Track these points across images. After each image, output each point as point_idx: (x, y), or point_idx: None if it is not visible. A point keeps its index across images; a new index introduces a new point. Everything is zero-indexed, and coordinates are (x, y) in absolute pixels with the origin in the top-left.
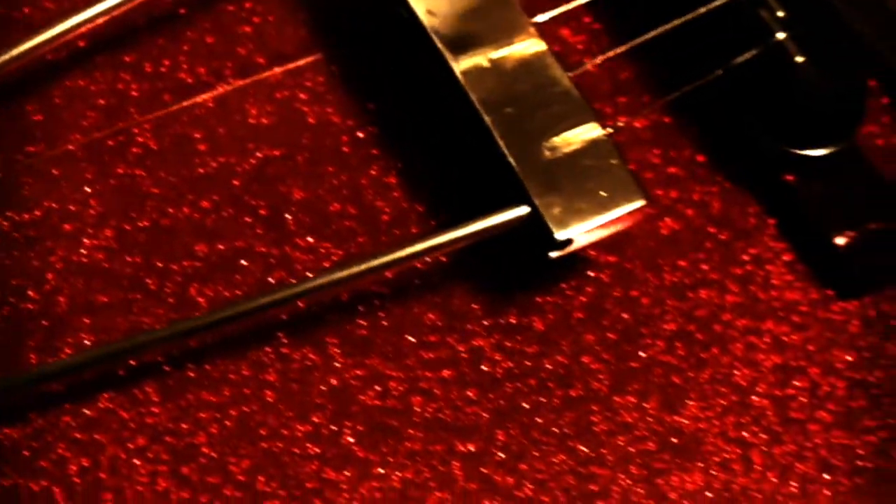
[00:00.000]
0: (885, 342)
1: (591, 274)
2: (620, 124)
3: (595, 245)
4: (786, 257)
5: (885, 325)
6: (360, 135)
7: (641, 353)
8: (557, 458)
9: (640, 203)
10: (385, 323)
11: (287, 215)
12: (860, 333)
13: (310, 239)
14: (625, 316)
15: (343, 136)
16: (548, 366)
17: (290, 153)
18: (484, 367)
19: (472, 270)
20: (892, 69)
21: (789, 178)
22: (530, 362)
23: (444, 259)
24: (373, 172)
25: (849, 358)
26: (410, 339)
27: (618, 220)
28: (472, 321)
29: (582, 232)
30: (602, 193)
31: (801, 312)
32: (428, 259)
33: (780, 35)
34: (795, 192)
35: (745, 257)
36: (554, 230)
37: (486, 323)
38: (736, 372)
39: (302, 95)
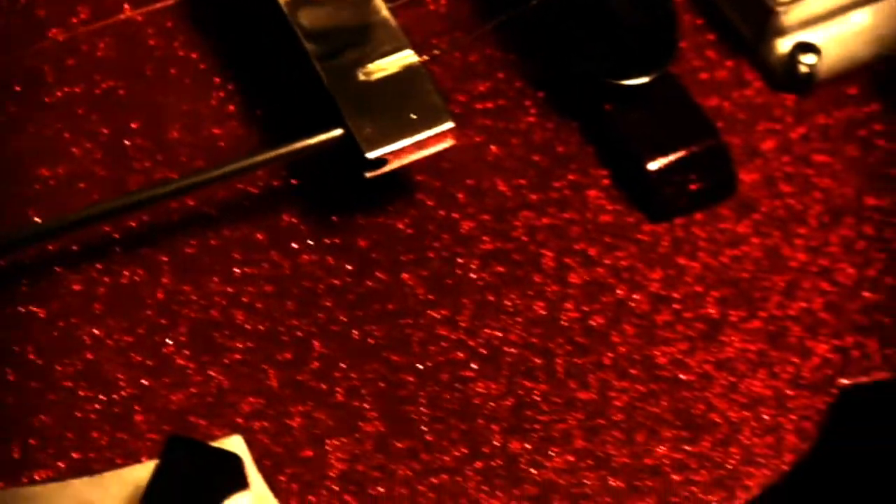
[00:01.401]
0: (691, 262)
1: (418, 197)
2: (436, 52)
3: (421, 170)
4: (604, 182)
5: (692, 246)
6: (203, 66)
7: (458, 272)
8: (370, 366)
9: (448, 126)
10: (213, 242)
11: (126, 141)
12: (668, 254)
13: (147, 164)
14: (445, 236)
15: (187, 67)
16: (368, 283)
17: (134, 84)
18: (305, 283)
19: (303, 194)
20: (717, 6)
21: (607, 106)
22: (351, 279)
23: (276, 183)
24: (213, 102)
25: (655, 276)
26: (237, 256)
27: (427, 141)
28: (297, 240)
29: (391, 152)
30: (412, 116)
31: (614, 234)
32: (259, 184)
33: None
34: (612, 120)
35: (564, 182)
36: (364, 150)
37: (310, 242)
38: (547, 289)
39: (150, 31)
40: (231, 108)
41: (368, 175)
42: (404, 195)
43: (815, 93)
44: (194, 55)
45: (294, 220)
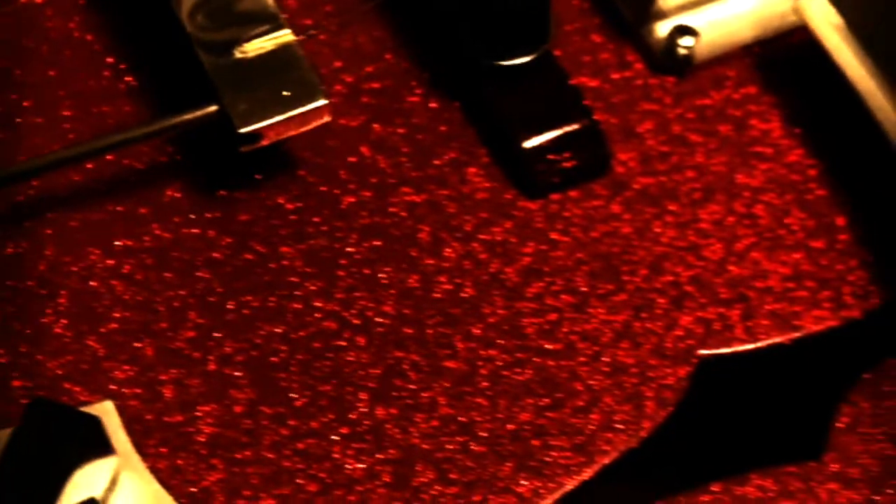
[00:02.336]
0: (563, 237)
1: (300, 173)
2: (312, 32)
3: (305, 147)
4: (483, 160)
5: (564, 222)
6: (97, 48)
7: (336, 245)
8: (244, 336)
9: (320, 102)
10: (97, 216)
11: (18, 119)
12: (541, 229)
13: (37, 141)
14: (325, 211)
15: (81, 49)
16: (246, 256)
17: (26, 61)
18: (185, 256)
19: (187, 169)
20: None
21: (486, 85)
22: (230, 251)
23: (162, 159)
24: (104, 82)
25: (527, 251)
26: (119, 229)
27: (301, 117)
28: (179, 214)
29: (264, 127)
30: (286, 93)
31: (490, 210)
32: (144, 160)
33: None
34: (490, 100)
35: (444, 160)
36: (237, 125)
37: (192, 216)
38: (421, 263)
39: (48, 12)
40: (121, 86)
41: (244, 150)
42: (287, 172)
43: (694, 75)
44: (89, 37)
45: (177, 194)
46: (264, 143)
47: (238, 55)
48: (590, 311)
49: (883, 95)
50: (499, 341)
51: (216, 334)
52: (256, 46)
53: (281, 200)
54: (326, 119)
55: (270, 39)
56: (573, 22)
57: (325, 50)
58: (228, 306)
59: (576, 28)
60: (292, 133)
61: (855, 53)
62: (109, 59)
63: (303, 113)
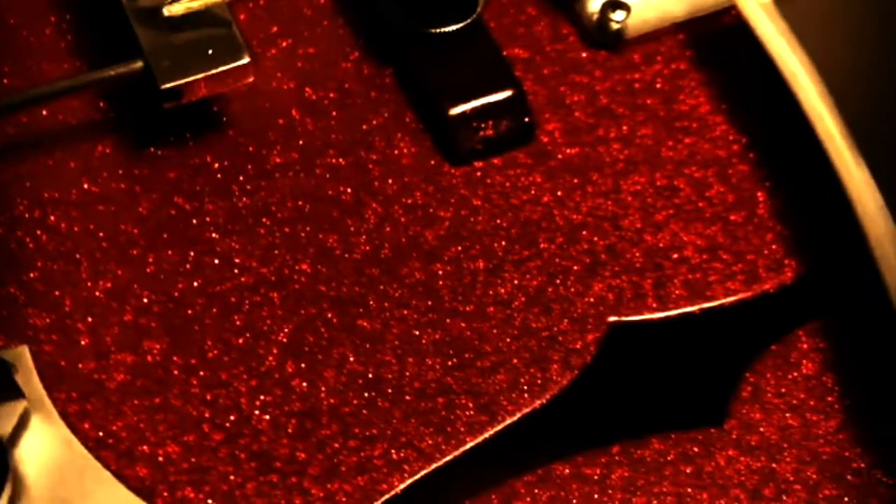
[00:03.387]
0: (484, 203)
1: (230, 133)
2: None
3: (237, 109)
4: (411, 126)
5: (486, 189)
6: (41, 6)
7: (259, 204)
8: (162, 289)
9: (243, 61)
10: (26, 169)
11: None
12: (464, 195)
13: None
14: (250, 170)
15: (24, 5)
16: (171, 211)
17: None
18: (112, 208)
19: (119, 125)
20: None
21: (415, 52)
22: (154, 206)
23: (95, 116)
24: (45, 41)
25: (446, 215)
26: (47, 182)
27: (223, 75)
28: (108, 169)
29: (186, 83)
30: (210, 52)
31: (413, 174)
32: (78, 115)
33: None
34: (419, 66)
35: (372, 125)
36: (159, 81)
37: (120, 171)
38: (342, 223)
39: None
40: (62, 44)
41: (167, 106)
42: (217, 131)
43: (625, 49)
44: None
45: (108, 150)
46: (187, 100)
47: (166, 13)
48: (504, 275)
49: (806, 75)
50: (412, 302)
51: (135, 286)
52: (185, 6)
53: (209, 159)
54: (250, 79)
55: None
56: None
57: (264, 14)
58: (149, 259)
59: (512, 0)
60: (215, 91)
61: (780, 32)
62: (52, 18)
63: (225, 71)
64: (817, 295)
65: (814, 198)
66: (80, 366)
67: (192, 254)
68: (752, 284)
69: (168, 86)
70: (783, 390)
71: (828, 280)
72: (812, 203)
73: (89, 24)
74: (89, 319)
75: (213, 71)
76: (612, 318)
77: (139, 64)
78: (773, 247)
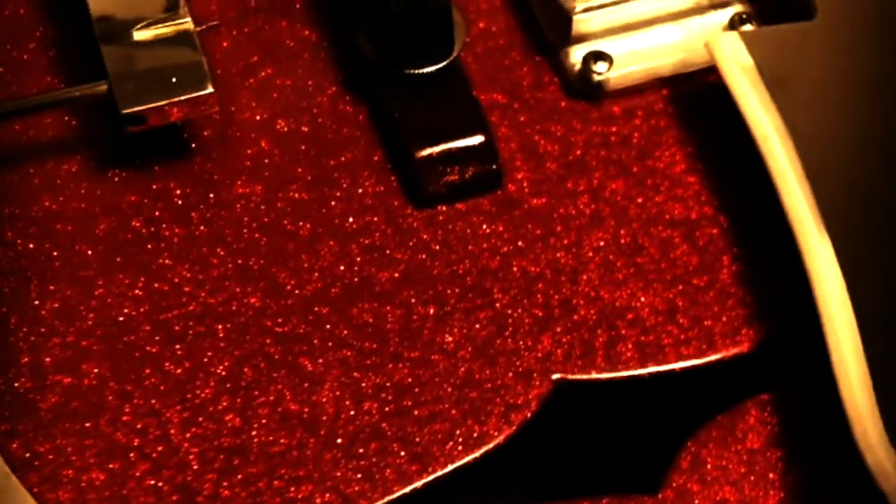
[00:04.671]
0: (441, 248)
1: (197, 159)
2: (212, 24)
3: (206, 138)
4: (378, 165)
5: (445, 233)
6: (7, 13)
7: (215, 233)
8: (109, 312)
9: (206, 91)
10: None
11: None
12: (423, 239)
13: None
14: (211, 199)
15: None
16: (127, 236)
17: None
18: (68, 228)
19: (87, 146)
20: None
21: (388, 92)
22: (110, 229)
23: (67, 133)
24: (27, 56)
25: (401, 257)
26: (7, 197)
27: (186, 104)
28: (70, 188)
29: (147, 109)
30: (174, 80)
31: (374, 214)
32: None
33: None
34: (391, 106)
35: (340, 161)
36: (120, 105)
37: (81, 191)
38: (294, 259)
39: None
40: (44, 60)
41: (130, 130)
42: (184, 158)
43: (606, 101)
44: (22, 10)
45: (73, 168)
46: (149, 125)
47: (135, 37)
48: (453, 323)
49: (778, 139)
50: (357, 343)
51: (81, 307)
52: (154, 32)
53: (171, 184)
54: (213, 109)
55: (169, 26)
56: (497, 38)
57: (248, 42)
58: (99, 281)
59: (498, 44)
60: (177, 118)
61: (759, 97)
62: (37, 32)
63: (188, 100)
64: (771, 367)
65: (778, 267)
66: (16, 384)
67: (142, 279)
68: (707, 351)
69: (128, 110)
70: (724, 462)
71: (782, 353)
72: (776, 272)
73: (73, 40)
74: (32, 338)
75: (175, 99)
76: (558, 375)
77: (104, 86)
78: (732, 314)
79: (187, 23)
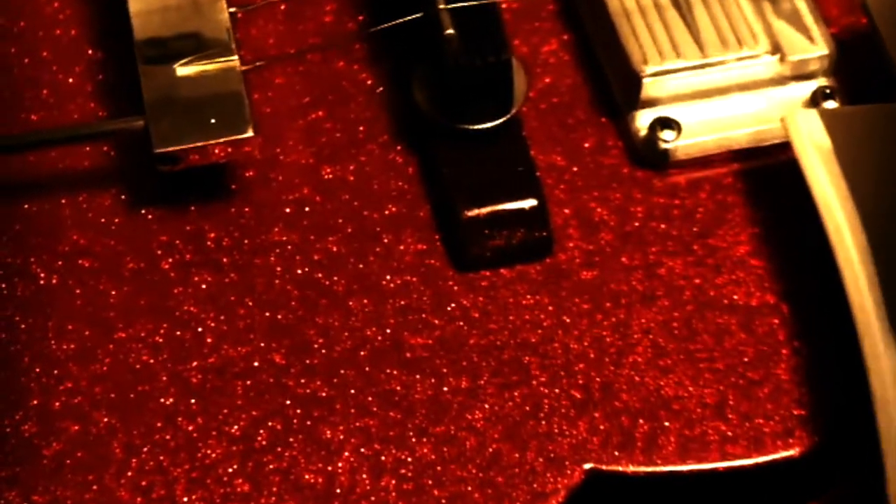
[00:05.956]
0: (481, 316)
1: (234, 203)
2: (259, 64)
3: (248, 179)
4: (421, 222)
5: (487, 300)
6: (58, 32)
7: (246, 282)
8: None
9: (246, 135)
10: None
11: None
12: (465, 305)
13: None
14: (245, 246)
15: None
16: (153, 277)
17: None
18: (94, 266)
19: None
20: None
21: (440, 146)
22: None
23: (105, 165)
24: (73, 80)
25: (438, 322)
26: (36, 227)
27: (224, 146)
28: (101, 222)
29: (182, 150)
30: (213, 120)
31: (412, 274)
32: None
33: (441, 5)
34: (440, 162)
35: (384, 214)
36: (154, 144)
37: (112, 227)
38: (326, 316)
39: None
40: (89, 86)
41: (163, 169)
42: (222, 199)
43: (672, 171)
44: (74, 31)
45: (106, 202)
46: (184, 166)
47: (178, 72)
48: (485, 398)
49: (850, 232)
50: (380, 411)
51: (98, 351)
52: (198, 67)
53: (206, 227)
54: (255, 153)
55: (214, 63)
56: (563, 95)
57: (301, 82)
58: (119, 325)
59: (563, 102)
60: (213, 161)
61: (834, 184)
62: (87, 53)
63: (225, 143)
64: (822, 472)
65: (840, 366)
66: (22, 428)
67: (165, 325)
68: (754, 452)
69: (162, 150)
70: None
71: (835, 459)
72: (836, 372)
73: (122, 66)
74: (43, 380)
75: (212, 141)
76: (591, 465)
77: (140, 122)
78: (786, 413)
79: (234, 60)
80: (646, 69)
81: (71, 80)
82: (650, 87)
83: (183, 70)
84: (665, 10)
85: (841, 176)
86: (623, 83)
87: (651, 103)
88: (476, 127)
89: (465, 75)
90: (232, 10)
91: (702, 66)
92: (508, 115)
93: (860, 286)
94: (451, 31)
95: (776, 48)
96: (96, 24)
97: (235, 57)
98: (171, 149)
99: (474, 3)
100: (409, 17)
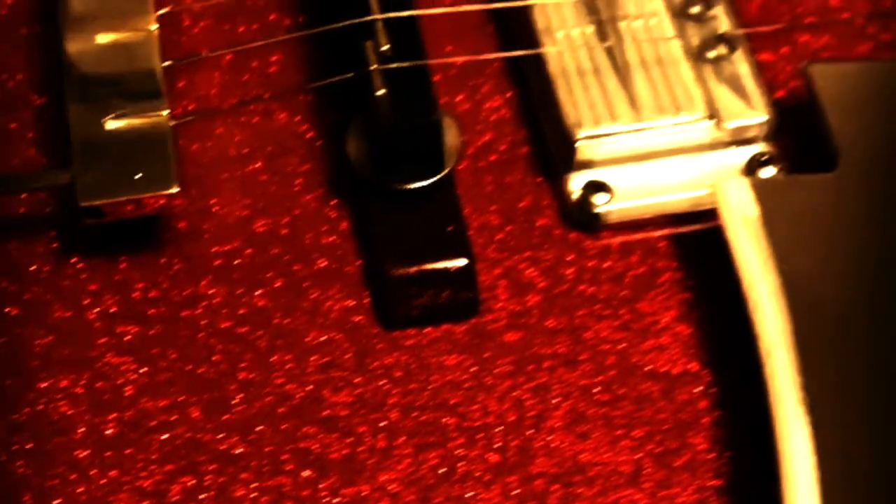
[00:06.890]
0: (403, 374)
1: (164, 252)
2: (189, 118)
3: (181, 231)
4: (352, 278)
5: (410, 357)
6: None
7: (169, 334)
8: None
9: (172, 191)
10: None
11: None
12: (385, 363)
13: None
14: (173, 298)
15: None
16: (80, 325)
17: None
18: (24, 312)
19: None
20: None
21: (370, 203)
22: (67, 318)
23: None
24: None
25: (358, 381)
26: None
27: (148, 201)
28: (31, 269)
29: (105, 204)
30: (138, 175)
31: (338, 330)
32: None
33: (373, 66)
34: (371, 218)
35: (312, 269)
36: (79, 198)
37: (42, 276)
38: (246, 372)
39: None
40: (31, 134)
41: (89, 222)
42: (151, 249)
43: (604, 234)
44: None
45: (40, 249)
46: (110, 219)
47: (107, 126)
48: (402, 459)
49: (772, 313)
50: (294, 470)
51: (18, 401)
52: (127, 121)
53: (135, 277)
54: (179, 207)
55: (144, 116)
56: (502, 154)
57: (241, 132)
58: (41, 374)
59: (501, 160)
60: (139, 215)
61: (758, 257)
62: (35, 102)
63: (150, 197)
64: None
65: (758, 436)
66: None
67: (86, 376)
68: None
69: (86, 203)
70: None
71: None
72: (755, 441)
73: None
74: None
75: (136, 196)
76: None
77: (67, 176)
78: (702, 484)
79: (163, 115)
80: (579, 132)
81: (13, 126)
82: (584, 150)
83: (112, 124)
84: (603, 72)
85: (767, 248)
86: (558, 144)
87: (585, 165)
88: (412, 186)
89: (396, 135)
90: (166, 63)
91: (637, 130)
92: (440, 175)
93: (775, 364)
94: (382, 91)
95: (713, 113)
96: (42, 70)
97: (166, 111)
98: (95, 203)
99: (406, 64)
100: (341, 77)
